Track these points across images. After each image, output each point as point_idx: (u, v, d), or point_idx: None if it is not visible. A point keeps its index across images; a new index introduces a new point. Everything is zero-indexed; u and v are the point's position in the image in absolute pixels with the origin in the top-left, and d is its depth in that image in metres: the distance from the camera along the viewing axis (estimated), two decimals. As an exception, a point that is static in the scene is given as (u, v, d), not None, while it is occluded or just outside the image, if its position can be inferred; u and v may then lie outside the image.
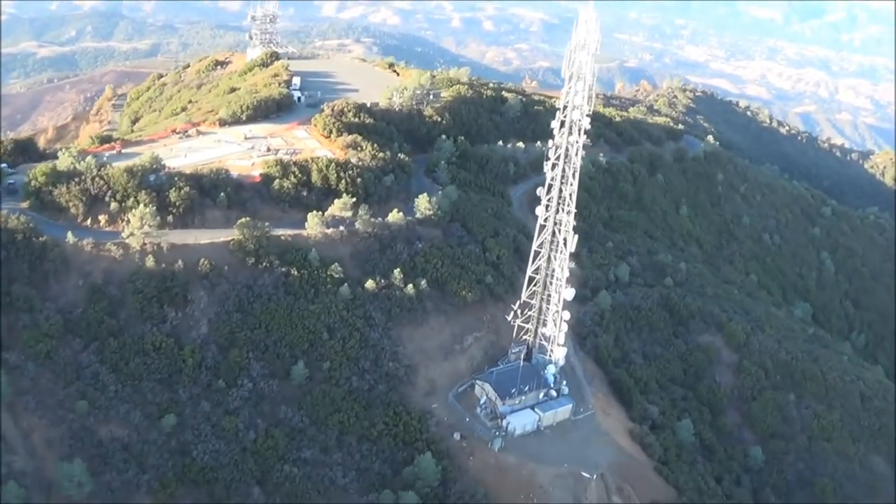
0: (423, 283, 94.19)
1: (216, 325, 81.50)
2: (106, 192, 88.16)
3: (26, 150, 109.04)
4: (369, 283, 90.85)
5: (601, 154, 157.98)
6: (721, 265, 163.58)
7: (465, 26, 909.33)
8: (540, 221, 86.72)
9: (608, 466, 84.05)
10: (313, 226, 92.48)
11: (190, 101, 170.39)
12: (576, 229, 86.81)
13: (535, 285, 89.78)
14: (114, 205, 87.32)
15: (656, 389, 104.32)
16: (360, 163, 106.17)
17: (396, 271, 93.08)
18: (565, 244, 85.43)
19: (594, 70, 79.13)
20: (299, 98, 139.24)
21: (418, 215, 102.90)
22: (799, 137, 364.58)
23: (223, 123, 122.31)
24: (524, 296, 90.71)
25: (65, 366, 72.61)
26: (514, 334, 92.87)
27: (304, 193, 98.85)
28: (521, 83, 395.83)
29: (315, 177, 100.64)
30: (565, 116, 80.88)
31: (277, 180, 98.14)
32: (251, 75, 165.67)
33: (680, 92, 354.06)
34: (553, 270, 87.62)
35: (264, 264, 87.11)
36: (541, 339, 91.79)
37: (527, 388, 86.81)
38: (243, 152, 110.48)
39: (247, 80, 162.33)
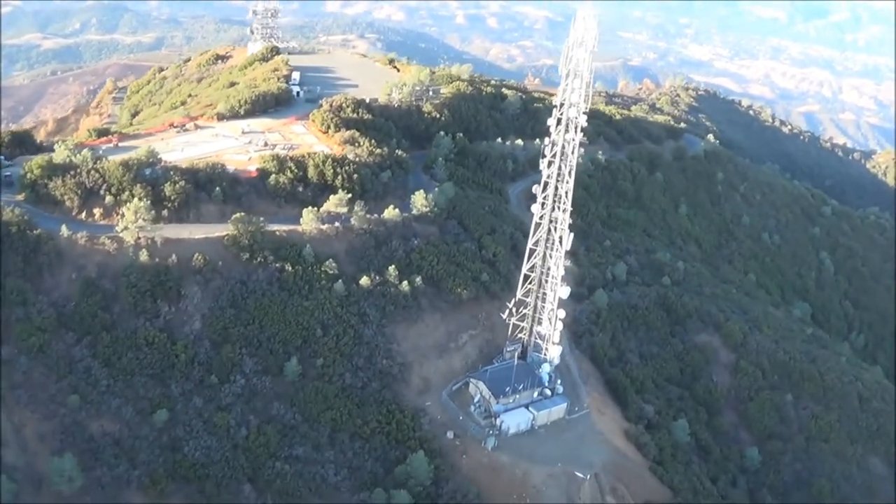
0: (419, 280, 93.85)
1: (209, 320, 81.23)
2: (101, 185, 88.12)
3: (23, 143, 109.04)
4: (364, 280, 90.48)
5: (600, 152, 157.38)
6: (720, 264, 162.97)
7: (470, 23, 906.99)
8: (536, 219, 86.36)
9: (602, 466, 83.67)
10: (308, 221, 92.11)
11: (190, 95, 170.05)
12: (573, 227, 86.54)
13: (530, 283, 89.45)
14: (109, 198, 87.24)
15: (652, 389, 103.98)
16: (357, 159, 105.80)
17: (391, 268, 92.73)
18: (561, 242, 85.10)
19: (591, 67, 78.57)
20: (298, 93, 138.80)
21: (415, 212, 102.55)
22: (801, 137, 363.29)
23: (221, 118, 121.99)
24: (519, 294, 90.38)
25: (57, 360, 72.51)
26: (510, 332, 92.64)
27: (300, 189, 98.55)
28: (524, 80, 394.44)
29: (311, 172, 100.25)
30: (562, 114, 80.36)
31: (273, 175, 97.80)
32: (251, 70, 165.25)
33: (683, 90, 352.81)
34: (548, 268, 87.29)
35: (259, 260, 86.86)
36: (536, 338, 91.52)
37: (521, 387, 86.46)
38: (240, 147, 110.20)
39: (246, 74, 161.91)
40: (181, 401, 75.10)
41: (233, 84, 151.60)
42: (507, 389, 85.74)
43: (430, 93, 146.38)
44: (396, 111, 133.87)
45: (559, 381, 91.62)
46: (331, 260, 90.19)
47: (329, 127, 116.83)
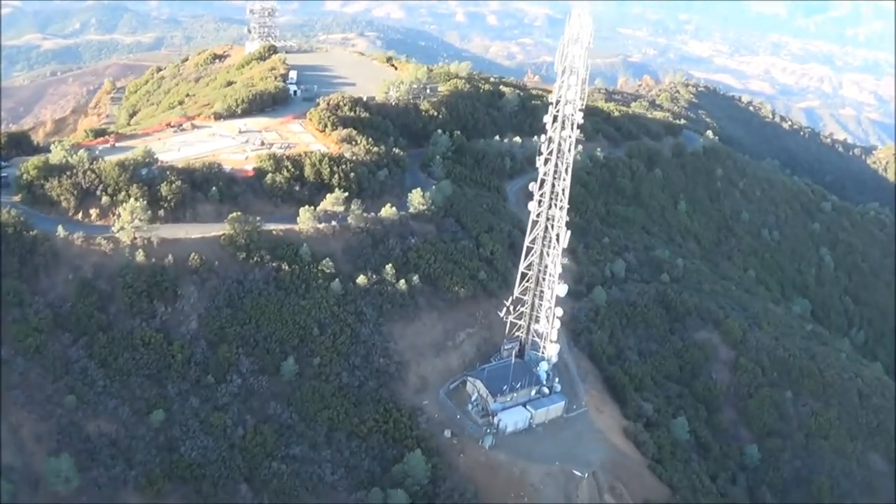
0: (416, 278, 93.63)
1: (206, 320, 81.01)
2: (97, 185, 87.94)
3: (20, 144, 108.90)
4: (361, 279, 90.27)
5: (599, 149, 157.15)
6: (719, 261, 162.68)
7: (470, 21, 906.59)
8: (532, 217, 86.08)
9: (601, 465, 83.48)
10: (305, 220, 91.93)
11: (187, 95, 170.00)
12: (571, 225, 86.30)
13: (527, 281, 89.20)
14: (105, 199, 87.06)
15: (651, 386, 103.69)
16: (354, 157, 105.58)
17: (388, 266, 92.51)
18: (558, 240, 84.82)
19: (587, 64, 78.13)
20: (295, 92, 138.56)
21: (412, 210, 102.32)
22: (801, 133, 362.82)
23: (218, 117, 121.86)
24: (516, 292, 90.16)
25: (54, 360, 72.38)
26: (507, 331, 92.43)
27: (297, 188, 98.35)
28: (523, 78, 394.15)
29: (308, 171, 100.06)
30: (558, 111, 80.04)
31: (270, 174, 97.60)
32: (248, 69, 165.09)
33: (682, 87, 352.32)
34: (546, 266, 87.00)
35: (255, 259, 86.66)
36: (533, 336, 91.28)
37: (519, 385, 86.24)
38: (237, 146, 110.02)
39: (244, 73, 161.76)
40: (178, 401, 74.92)
41: (230, 83, 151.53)
42: (505, 388, 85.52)
43: (428, 91, 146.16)
44: (394, 109, 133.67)
45: (557, 380, 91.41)
46: (327, 259, 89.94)
47: (326, 125, 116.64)
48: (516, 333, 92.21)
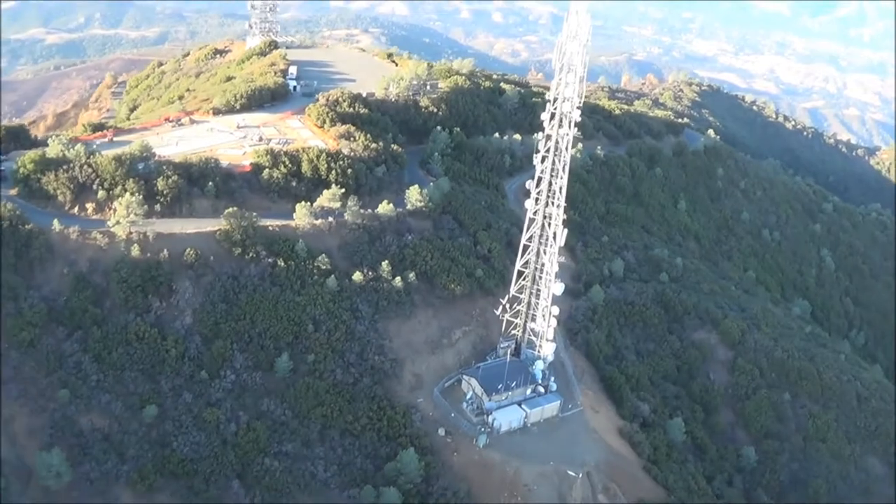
0: (412, 275, 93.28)
1: (201, 315, 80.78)
2: (94, 180, 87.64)
3: (18, 138, 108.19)
4: (357, 276, 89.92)
5: (599, 147, 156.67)
6: (719, 261, 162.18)
7: (474, 18, 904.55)
8: (529, 215, 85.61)
9: (595, 465, 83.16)
10: (301, 216, 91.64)
11: (188, 90, 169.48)
12: (570, 223, 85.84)
13: (524, 280, 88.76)
14: (101, 193, 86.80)
15: (648, 387, 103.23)
16: (352, 153, 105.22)
17: (385, 263, 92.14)
18: (555, 238, 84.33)
19: (585, 61, 77.59)
20: (295, 87, 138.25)
21: (409, 207, 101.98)
22: (805, 133, 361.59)
23: (217, 112, 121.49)
24: (513, 290, 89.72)
25: (48, 354, 72.19)
26: (503, 329, 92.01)
27: (294, 184, 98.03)
28: (527, 75, 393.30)
29: (305, 167, 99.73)
30: (555, 108, 79.55)
31: (267, 170, 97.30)
32: (248, 64, 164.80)
33: (686, 86, 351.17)
34: (542, 265, 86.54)
35: (251, 255, 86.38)
36: (530, 335, 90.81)
37: (514, 384, 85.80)
38: (235, 141, 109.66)
39: (244, 68, 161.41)
40: (171, 396, 74.71)
41: (230, 78, 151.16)
42: (500, 386, 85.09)
43: (428, 87, 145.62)
44: (393, 106, 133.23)
45: (553, 379, 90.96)
46: (324, 255, 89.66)
47: (325, 121, 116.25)
48: (512, 332, 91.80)
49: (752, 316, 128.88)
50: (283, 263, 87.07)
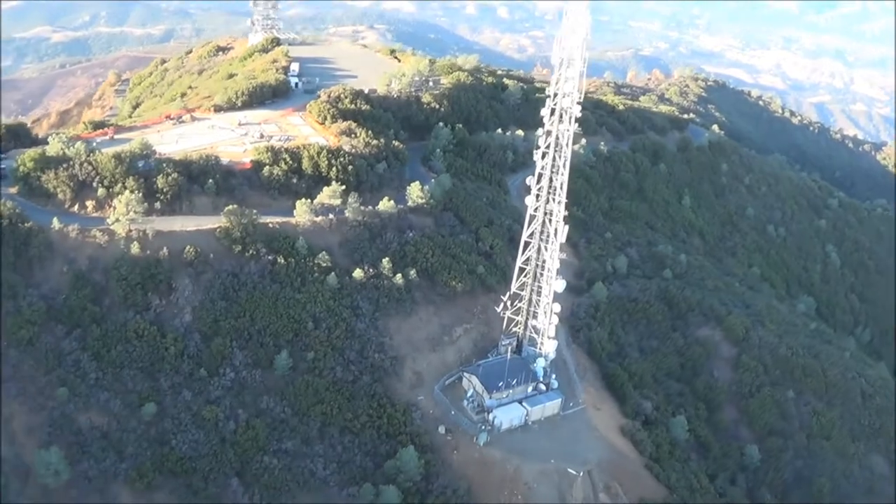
0: (413, 272, 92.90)
1: (200, 313, 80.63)
2: (94, 177, 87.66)
3: (18, 136, 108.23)
4: (357, 273, 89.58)
5: (602, 143, 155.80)
6: (723, 257, 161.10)
7: (480, 13, 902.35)
8: (530, 211, 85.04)
9: (596, 463, 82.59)
10: (302, 213, 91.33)
11: (190, 87, 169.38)
12: (571, 219, 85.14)
13: (525, 276, 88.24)
14: (101, 191, 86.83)
15: (651, 384, 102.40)
16: (353, 150, 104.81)
17: (385, 260, 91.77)
18: (556, 235, 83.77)
19: (585, 56, 76.88)
20: (297, 84, 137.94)
21: (410, 204, 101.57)
22: (811, 128, 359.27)
23: (218, 109, 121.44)
24: (514, 287, 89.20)
25: (47, 352, 72.26)
26: (505, 326, 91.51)
27: (295, 180, 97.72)
28: (532, 70, 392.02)
29: (306, 164, 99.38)
30: (556, 104, 78.90)
31: (268, 167, 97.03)
32: (251, 61, 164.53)
33: (692, 81, 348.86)
34: (543, 261, 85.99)
35: (251, 252, 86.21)
36: (531, 332, 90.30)
37: (515, 382, 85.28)
38: (236, 138, 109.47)
39: (246, 65, 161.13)
40: (170, 394, 74.61)
41: (231, 75, 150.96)
42: (501, 384, 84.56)
43: (430, 83, 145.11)
44: (395, 102, 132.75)
45: (554, 376, 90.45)
46: (324, 252, 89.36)
47: (326, 118, 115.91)
48: (514, 329, 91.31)
49: (756, 312, 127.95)
50: (283, 261, 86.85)
